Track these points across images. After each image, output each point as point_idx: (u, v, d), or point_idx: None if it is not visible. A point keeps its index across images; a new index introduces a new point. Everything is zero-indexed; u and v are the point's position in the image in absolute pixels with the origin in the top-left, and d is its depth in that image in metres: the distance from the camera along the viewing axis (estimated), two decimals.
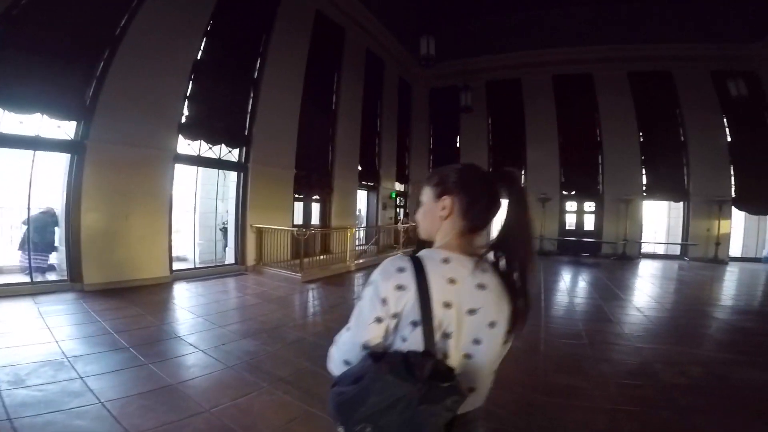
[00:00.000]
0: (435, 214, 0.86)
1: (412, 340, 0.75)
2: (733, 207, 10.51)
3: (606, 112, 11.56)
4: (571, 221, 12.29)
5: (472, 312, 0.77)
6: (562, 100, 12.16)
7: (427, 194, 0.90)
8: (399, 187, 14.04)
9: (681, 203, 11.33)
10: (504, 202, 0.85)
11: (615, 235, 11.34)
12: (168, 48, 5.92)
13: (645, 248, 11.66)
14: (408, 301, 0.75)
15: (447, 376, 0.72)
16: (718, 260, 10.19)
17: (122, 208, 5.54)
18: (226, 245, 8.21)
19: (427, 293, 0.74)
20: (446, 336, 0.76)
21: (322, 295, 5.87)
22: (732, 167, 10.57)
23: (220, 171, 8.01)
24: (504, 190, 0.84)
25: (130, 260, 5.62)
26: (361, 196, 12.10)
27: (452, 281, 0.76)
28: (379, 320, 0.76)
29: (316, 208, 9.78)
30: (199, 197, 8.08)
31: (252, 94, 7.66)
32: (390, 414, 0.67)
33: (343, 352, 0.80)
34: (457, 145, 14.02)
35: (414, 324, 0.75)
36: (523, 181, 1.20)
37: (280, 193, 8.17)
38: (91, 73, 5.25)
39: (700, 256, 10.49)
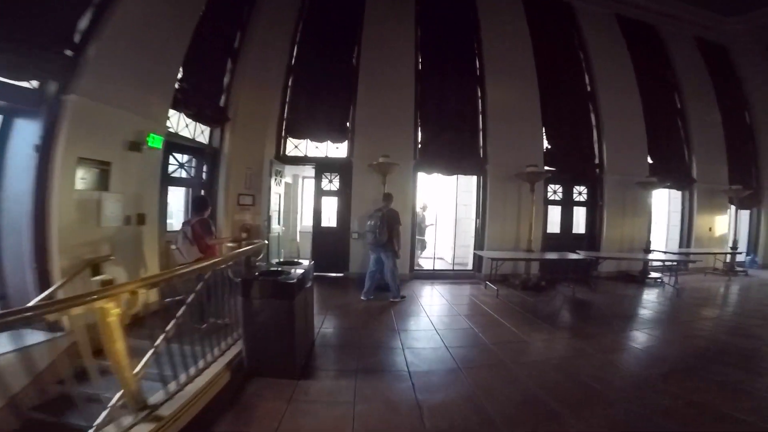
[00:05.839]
0: None
1: None
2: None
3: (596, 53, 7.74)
4: (554, 218, 7.26)
5: None
6: (539, 26, 7.66)
7: None
8: (195, 133, 5.55)
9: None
10: None
11: (619, 242, 6.98)
12: None
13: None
14: None
15: None
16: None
17: None
18: None
19: None
20: None
21: None
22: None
23: None
24: None
25: None
26: None
27: None
28: None
29: None
30: None
31: None
32: None
33: None
34: (354, 62, 7.12)
35: None
36: None
37: None
38: None
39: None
